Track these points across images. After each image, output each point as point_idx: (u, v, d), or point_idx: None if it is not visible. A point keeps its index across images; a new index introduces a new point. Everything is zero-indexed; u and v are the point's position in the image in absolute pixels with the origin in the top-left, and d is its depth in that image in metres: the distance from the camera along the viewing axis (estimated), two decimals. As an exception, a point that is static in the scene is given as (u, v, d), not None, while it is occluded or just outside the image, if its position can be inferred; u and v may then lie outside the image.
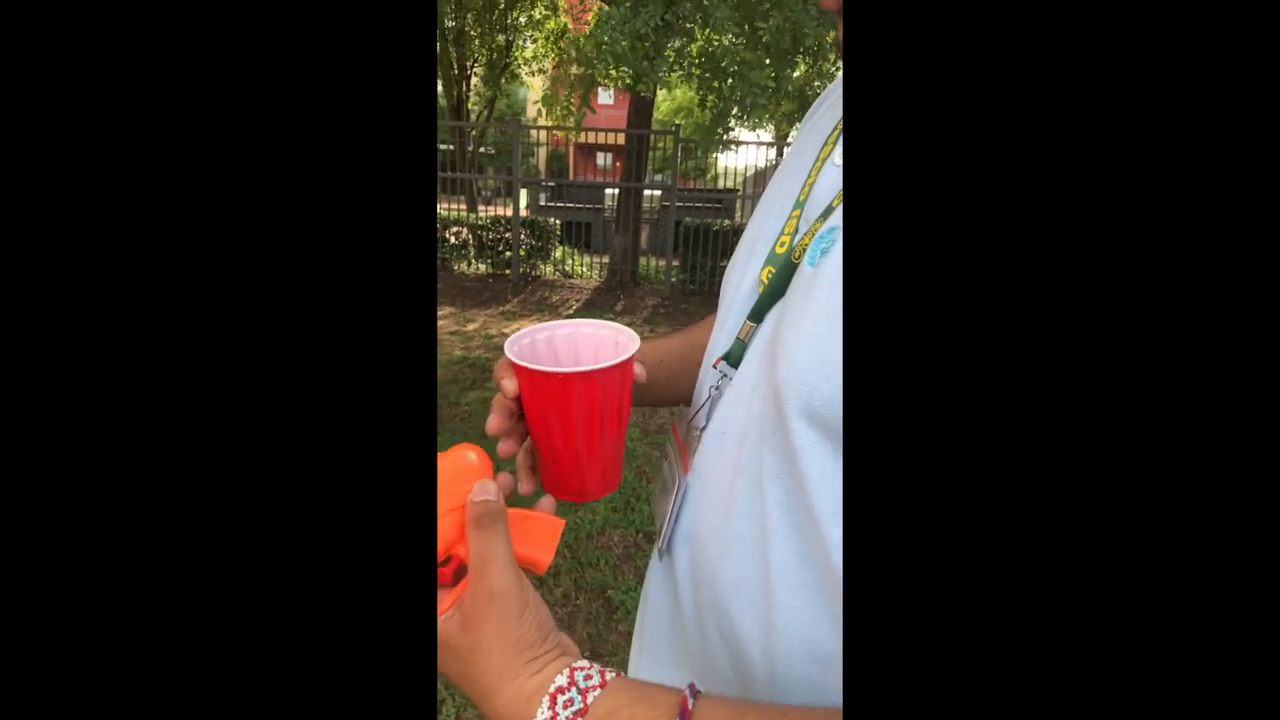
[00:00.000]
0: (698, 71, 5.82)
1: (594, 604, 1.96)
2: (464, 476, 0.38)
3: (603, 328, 0.50)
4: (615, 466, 0.49)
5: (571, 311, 5.65)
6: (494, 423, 0.48)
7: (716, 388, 0.50)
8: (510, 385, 0.45)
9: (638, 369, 0.49)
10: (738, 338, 0.49)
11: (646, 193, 7.08)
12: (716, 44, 5.33)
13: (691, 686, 0.35)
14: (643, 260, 7.07)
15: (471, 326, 4.96)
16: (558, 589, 2.02)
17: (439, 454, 0.39)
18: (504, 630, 0.35)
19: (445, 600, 0.36)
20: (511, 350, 0.44)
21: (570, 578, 2.07)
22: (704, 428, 0.49)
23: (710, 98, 5.30)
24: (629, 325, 4.50)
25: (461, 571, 0.37)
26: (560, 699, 0.34)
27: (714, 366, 0.51)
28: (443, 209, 7.40)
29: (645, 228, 7.38)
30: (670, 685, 0.36)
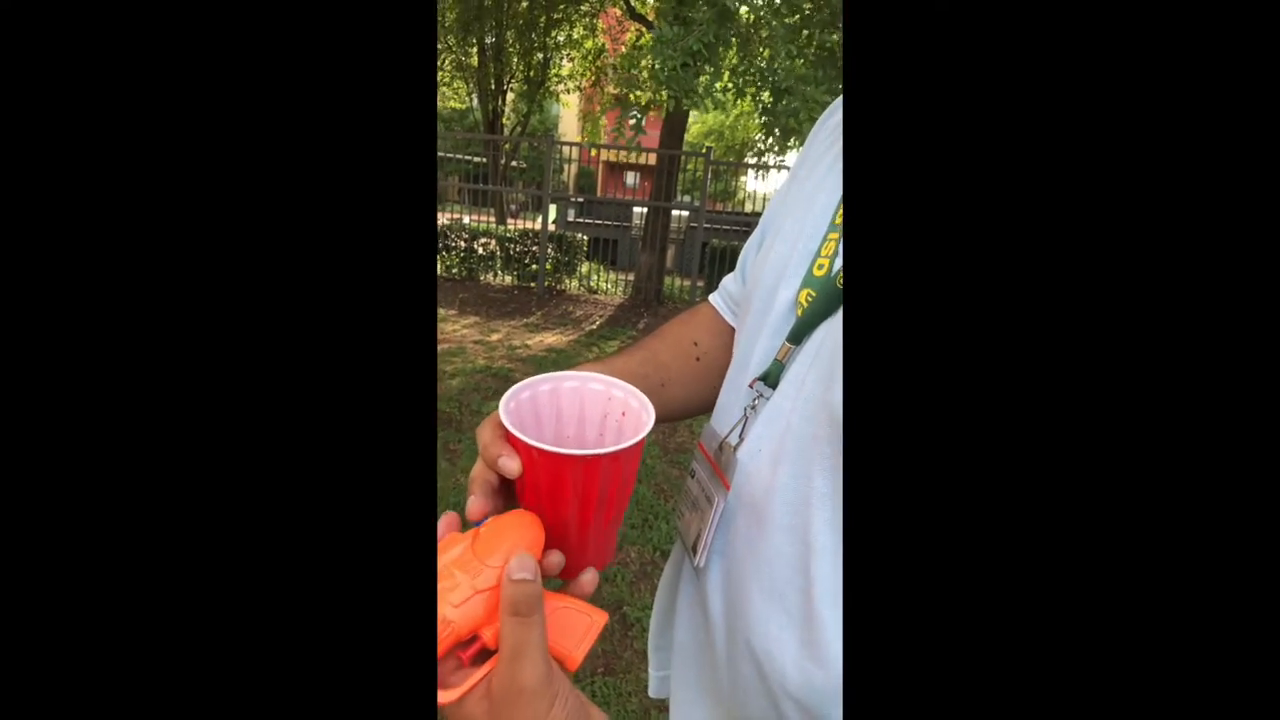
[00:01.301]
0: (751, 90, 5.84)
1: (610, 620, 1.94)
2: (508, 549, 0.35)
3: (589, 380, 0.44)
4: (611, 543, 0.44)
5: (594, 327, 5.67)
6: (476, 506, 0.40)
7: (752, 407, 0.50)
8: (512, 466, 0.39)
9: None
10: (775, 358, 0.49)
11: (674, 213, 7.11)
12: (772, 61, 5.35)
13: None
14: (667, 279, 7.09)
15: (495, 337, 4.99)
16: (573, 602, 2.00)
17: (488, 521, 0.37)
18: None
19: (465, 683, 0.33)
20: (509, 415, 0.39)
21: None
22: (737, 446, 0.50)
23: (767, 119, 5.31)
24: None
25: (484, 654, 0.34)
26: None
27: (749, 386, 0.51)
28: (472, 220, 7.49)
29: (671, 247, 7.41)
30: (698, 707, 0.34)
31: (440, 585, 0.33)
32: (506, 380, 3.96)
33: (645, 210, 7.01)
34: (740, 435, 0.50)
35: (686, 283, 7.11)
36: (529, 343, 4.89)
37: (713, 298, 0.69)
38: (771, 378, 0.49)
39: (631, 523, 2.47)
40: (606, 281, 7.25)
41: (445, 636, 0.32)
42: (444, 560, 0.34)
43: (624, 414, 0.44)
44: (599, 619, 0.37)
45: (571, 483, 0.37)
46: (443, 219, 7.29)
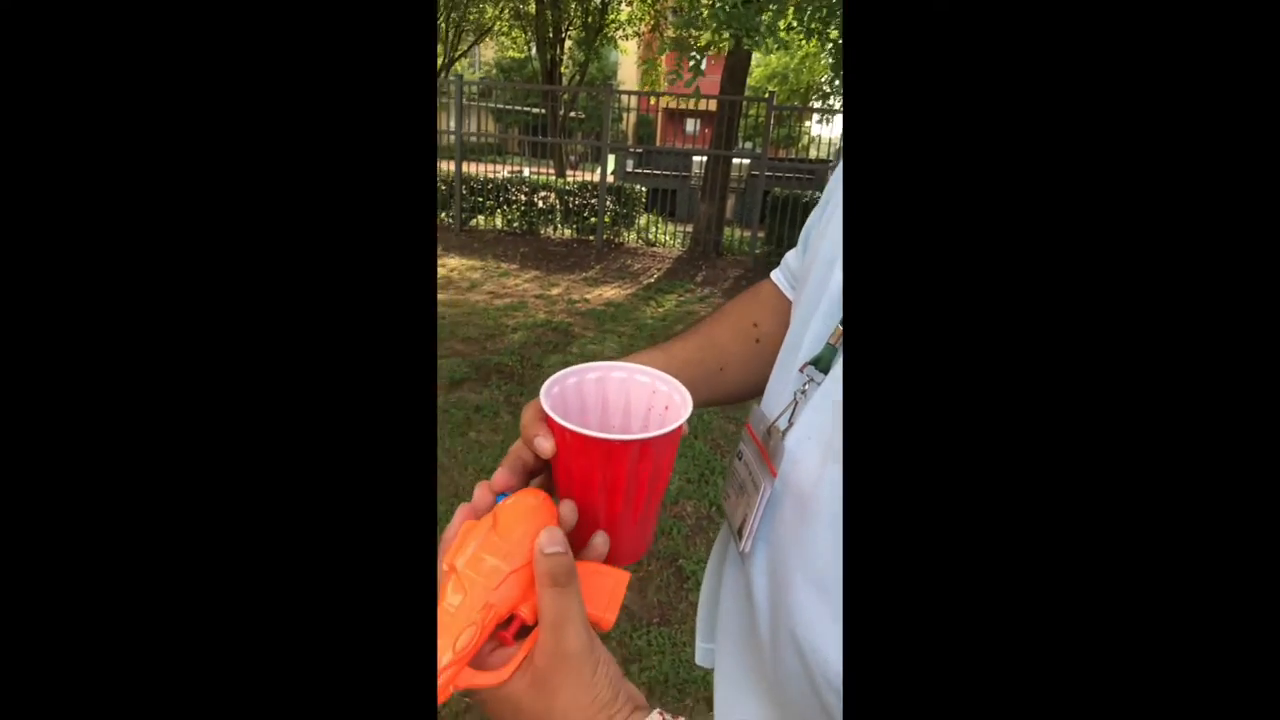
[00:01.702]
0: (818, 27, 5.56)
1: (665, 571, 1.99)
2: (529, 526, 0.36)
3: (636, 373, 0.44)
4: (649, 531, 0.44)
5: (652, 280, 5.64)
6: (501, 479, 0.42)
7: (802, 392, 0.49)
8: (546, 446, 0.40)
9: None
10: (828, 343, 0.48)
11: (735, 161, 6.93)
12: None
13: None
14: (727, 230, 6.96)
15: (555, 291, 5.04)
16: (630, 554, 2.05)
17: (503, 501, 0.37)
18: (579, 693, 0.34)
19: (512, 660, 0.34)
20: (549, 399, 0.39)
21: (643, 544, 2.10)
22: (786, 431, 0.48)
23: (836, 59, 5.06)
24: (711, 298, 4.39)
25: (523, 631, 0.35)
26: None
27: (800, 370, 0.49)
28: (531, 173, 7.49)
29: (731, 197, 7.24)
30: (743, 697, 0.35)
31: (475, 571, 0.34)
32: (566, 334, 4.01)
33: (705, 159, 6.85)
34: (790, 420, 0.49)
35: (746, 234, 6.96)
36: (588, 296, 4.92)
37: (775, 274, 0.67)
38: (823, 362, 0.48)
39: (688, 476, 2.49)
40: (665, 234, 7.17)
41: (488, 620, 0.33)
42: (470, 546, 0.35)
43: (667, 408, 0.44)
44: (622, 578, 0.38)
45: (601, 468, 0.38)
46: (504, 172, 7.32)
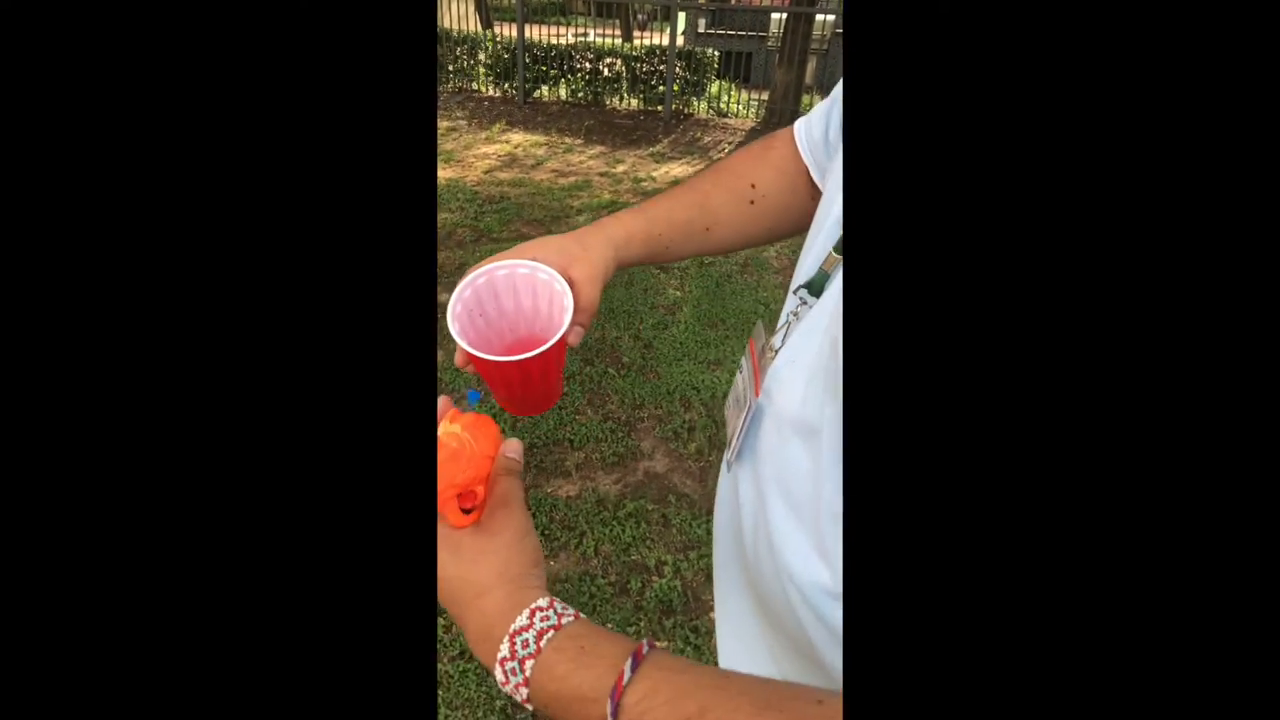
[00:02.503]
0: None
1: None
2: (490, 436, 0.45)
3: (538, 270, 0.51)
4: (551, 393, 0.54)
5: (722, 155, 5.36)
6: (460, 359, 0.52)
7: (795, 314, 0.49)
8: (458, 358, 0.50)
9: (571, 336, 0.51)
10: (821, 267, 0.48)
11: (818, 18, 6.29)
12: None
13: (645, 644, 0.35)
14: (805, 98, 6.45)
15: (620, 168, 4.87)
16: (691, 444, 2.09)
17: (471, 416, 0.45)
18: (512, 543, 0.40)
19: (463, 521, 0.41)
20: (453, 321, 0.48)
21: (705, 434, 2.13)
22: (778, 351, 0.50)
23: None
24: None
25: (473, 509, 0.43)
26: (518, 640, 0.36)
27: (793, 292, 0.50)
28: (596, 36, 7.04)
29: (812, 60, 6.64)
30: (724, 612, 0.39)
31: (455, 447, 0.41)
32: (631, 216, 3.91)
33: (784, 17, 6.25)
34: (782, 341, 0.50)
35: (827, 102, 6.44)
36: (654, 174, 4.74)
37: (797, 129, 0.63)
38: (815, 286, 0.48)
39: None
40: (738, 102, 6.72)
41: (462, 482, 0.41)
42: (452, 429, 0.43)
43: (552, 294, 0.51)
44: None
45: (500, 371, 0.48)
46: (570, 35, 6.90)
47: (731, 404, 0.57)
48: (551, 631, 0.36)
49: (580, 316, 0.51)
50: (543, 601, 0.37)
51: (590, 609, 1.55)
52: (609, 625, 1.51)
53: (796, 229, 0.64)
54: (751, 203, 0.62)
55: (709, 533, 1.78)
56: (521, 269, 0.51)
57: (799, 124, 0.63)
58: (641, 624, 1.52)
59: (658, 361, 2.50)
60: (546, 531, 1.74)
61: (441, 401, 0.45)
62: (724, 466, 0.59)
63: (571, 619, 0.37)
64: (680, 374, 2.43)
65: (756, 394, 0.50)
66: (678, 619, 1.53)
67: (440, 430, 0.42)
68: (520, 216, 3.81)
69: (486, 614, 0.38)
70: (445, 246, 3.39)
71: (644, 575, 1.64)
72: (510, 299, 0.52)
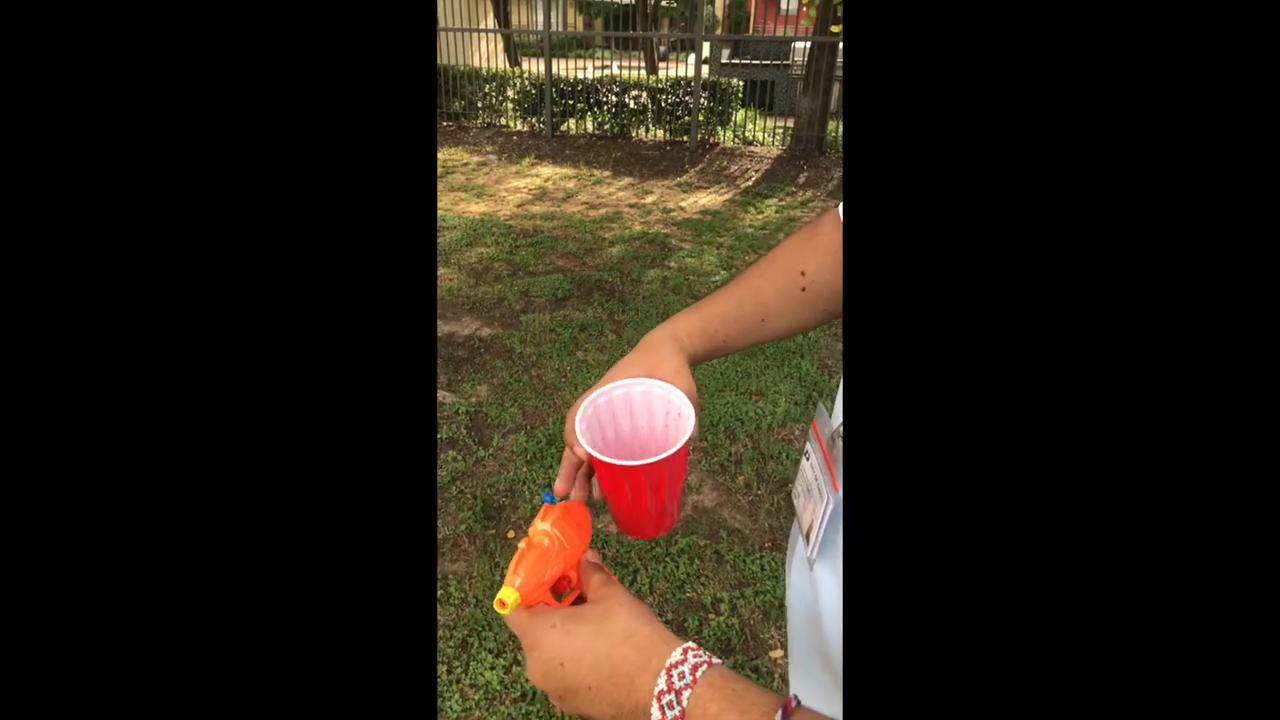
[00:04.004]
0: None
1: (775, 496, 2.01)
2: (581, 524, 0.47)
3: (654, 386, 0.52)
4: (673, 512, 0.54)
5: (750, 184, 5.40)
6: (562, 485, 0.52)
7: None
8: (581, 453, 0.49)
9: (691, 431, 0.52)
10: None
11: (842, 45, 6.35)
12: None
13: (794, 699, 0.35)
14: (831, 125, 6.49)
15: (649, 199, 4.92)
16: (739, 477, 2.08)
17: (568, 504, 0.48)
18: (634, 600, 0.42)
19: (560, 604, 0.43)
20: (582, 433, 0.49)
21: (752, 467, 2.12)
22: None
23: None
24: (813, 202, 4.19)
25: (568, 593, 0.45)
26: (674, 672, 0.37)
27: None
28: (620, 69, 7.18)
29: (837, 86, 6.69)
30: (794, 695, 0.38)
31: (547, 545, 0.44)
32: (664, 247, 3.94)
33: (808, 45, 6.32)
34: None
35: (852, 128, 6.47)
36: (683, 204, 4.78)
37: (844, 207, 0.63)
38: None
39: (795, 399, 2.47)
40: (763, 130, 6.78)
41: (550, 578, 0.43)
42: (543, 527, 0.46)
43: (680, 415, 0.51)
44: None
45: (623, 479, 0.48)
46: (590, 69, 7.05)
47: (801, 492, 0.55)
48: (705, 666, 0.37)
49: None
50: (690, 642, 0.39)
51: (648, 648, 1.54)
52: (668, 665, 1.50)
53: None
54: (803, 289, 0.62)
55: (763, 568, 1.77)
56: (638, 387, 0.52)
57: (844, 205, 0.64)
58: (701, 664, 1.50)
59: (700, 393, 2.50)
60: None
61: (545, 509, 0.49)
62: (798, 559, 0.57)
63: (717, 662, 0.38)
64: (723, 406, 2.43)
65: (835, 488, 0.48)
66: (737, 658, 1.52)
67: (533, 529, 0.45)
68: (555, 250, 3.86)
69: (640, 649, 0.39)
70: (483, 281, 3.44)
71: (701, 613, 1.62)
72: (627, 420, 0.54)
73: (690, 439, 0.48)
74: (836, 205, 0.65)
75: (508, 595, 0.40)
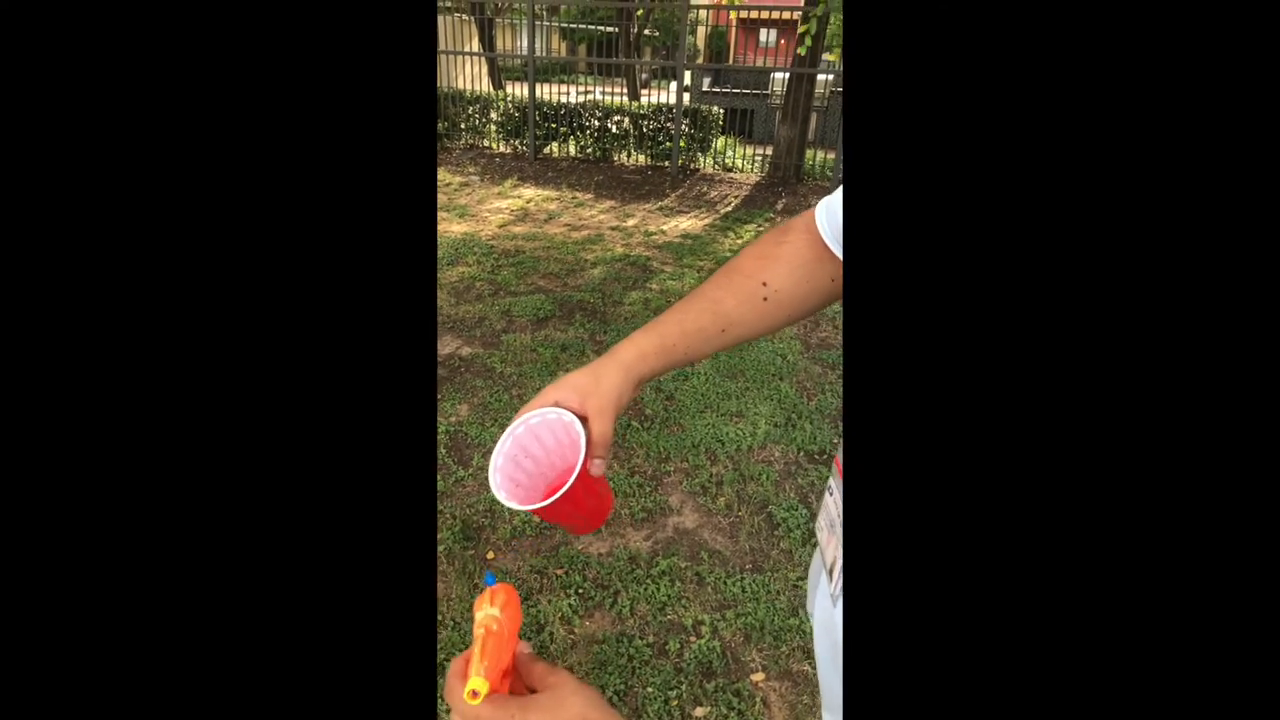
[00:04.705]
0: None
1: (756, 518, 2.01)
2: (515, 605, 0.47)
3: (548, 413, 0.55)
4: (602, 507, 0.59)
5: (730, 209, 5.48)
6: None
7: None
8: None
9: (593, 468, 0.55)
10: None
11: (820, 78, 6.50)
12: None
13: None
14: (809, 153, 6.63)
15: (631, 222, 4.97)
16: (720, 498, 2.08)
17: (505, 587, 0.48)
18: (585, 686, 0.43)
19: (511, 698, 0.43)
20: (496, 475, 0.54)
21: (733, 489, 2.13)
22: None
23: None
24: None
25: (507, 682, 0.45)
26: None
27: None
28: (603, 95, 7.27)
29: (814, 116, 6.84)
30: None
31: (497, 630, 0.44)
32: (645, 269, 3.97)
33: (786, 76, 6.47)
34: None
35: (830, 156, 6.61)
36: (664, 228, 4.83)
37: (819, 214, 0.62)
38: None
39: (775, 421, 2.48)
40: (742, 158, 6.90)
41: (506, 662, 0.44)
42: (493, 613, 0.46)
43: (567, 431, 0.56)
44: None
45: (550, 512, 0.53)
46: (573, 93, 7.13)
47: (824, 526, 0.54)
48: None
49: (595, 450, 0.54)
50: None
51: (629, 670, 1.52)
52: (649, 689, 1.48)
53: (815, 311, 0.65)
54: (765, 299, 0.62)
55: (744, 590, 1.76)
56: (550, 414, 0.56)
57: (820, 210, 0.63)
58: (683, 687, 1.49)
59: (681, 414, 2.51)
60: (580, 590, 1.72)
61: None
62: (821, 595, 0.57)
63: None
64: (704, 426, 2.43)
65: None
66: (719, 681, 1.51)
67: (482, 615, 0.46)
68: (536, 270, 3.87)
69: None
70: (465, 300, 3.43)
71: (682, 636, 1.61)
72: (541, 444, 0.58)
73: (583, 468, 0.53)
74: (809, 209, 0.65)
75: (479, 685, 0.40)
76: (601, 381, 0.56)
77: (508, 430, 0.55)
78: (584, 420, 0.55)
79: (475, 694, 0.40)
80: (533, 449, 0.57)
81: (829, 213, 0.61)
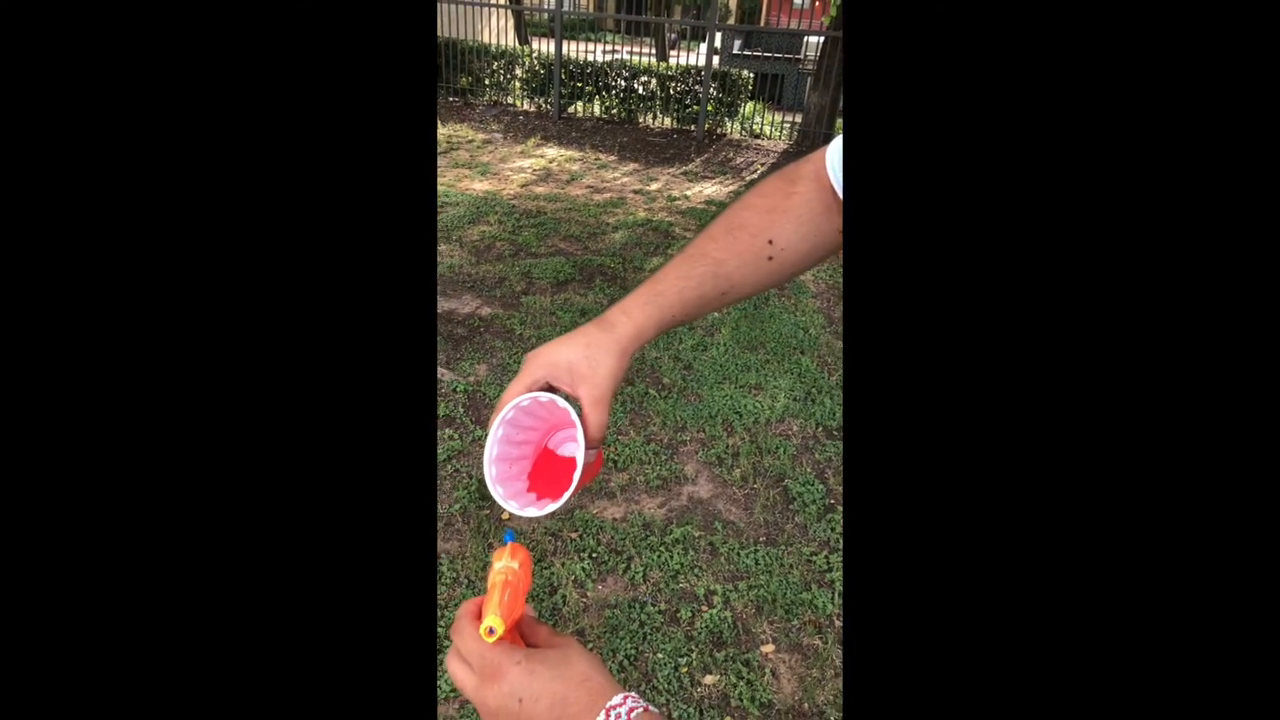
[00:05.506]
0: None
1: (771, 491, 2.01)
2: (528, 563, 0.48)
3: (539, 396, 0.52)
4: (595, 469, 0.58)
5: (755, 176, 5.37)
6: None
7: None
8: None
9: (590, 456, 0.53)
10: None
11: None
12: None
13: None
14: (838, 121, 6.46)
15: (654, 186, 4.89)
16: (736, 469, 2.07)
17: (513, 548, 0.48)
18: (586, 651, 0.44)
19: (521, 646, 0.44)
20: (492, 470, 0.52)
21: (749, 461, 2.12)
22: None
23: None
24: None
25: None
26: (613, 714, 0.39)
27: None
28: (630, 55, 7.10)
29: (846, 84, 6.65)
30: None
31: (515, 583, 0.45)
32: (667, 235, 3.92)
33: (821, 40, 6.27)
34: None
35: (860, 126, 6.43)
36: (688, 193, 4.75)
37: (829, 156, 0.58)
38: None
39: (794, 395, 2.46)
40: (770, 124, 6.74)
41: (520, 612, 0.44)
42: (512, 565, 0.46)
43: (570, 424, 0.54)
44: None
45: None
46: (599, 51, 6.97)
47: None
48: (640, 710, 0.39)
49: (590, 443, 0.51)
50: (633, 692, 0.42)
51: (641, 636, 1.53)
52: (660, 655, 1.49)
53: (825, 259, 0.61)
54: (770, 258, 0.58)
55: (757, 563, 1.76)
56: (542, 398, 0.53)
57: (831, 151, 0.58)
58: (693, 655, 1.50)
59: (699, 384, 2.49)
60: (594, 554, 1.73)
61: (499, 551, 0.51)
62: None
63: (655, 713, 0.40)
64: (722, 397, 2.42)
65: None
66: (729, 651, 1.51)
67: (501, 565, 0.46)
68: (557, 232, 3.83)
69: (592, 693, 0.41)
70: (485, 259, 3.41)
71: (694, 604, 1.62)
72: (535, 420, 0.56)
73: (586, 458, 0.51)
74: (821, 149, 0.59)
75: (496, 623, 0.41)
76: (598, 369, 0.53)
77: (498, 415, 0.53)
78: (575, 402, 0.53)
79: (491, 631, 0.41)
80: (528, 424, 0.56)
81: (840, 156, 0.57)
